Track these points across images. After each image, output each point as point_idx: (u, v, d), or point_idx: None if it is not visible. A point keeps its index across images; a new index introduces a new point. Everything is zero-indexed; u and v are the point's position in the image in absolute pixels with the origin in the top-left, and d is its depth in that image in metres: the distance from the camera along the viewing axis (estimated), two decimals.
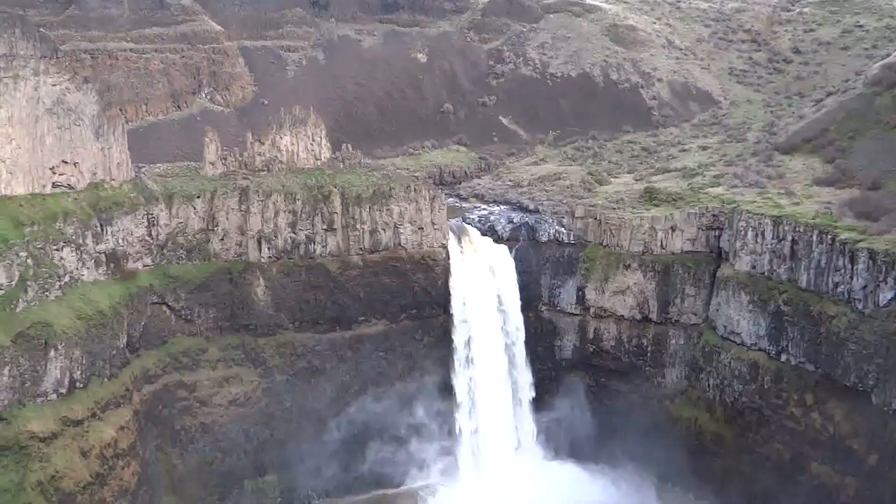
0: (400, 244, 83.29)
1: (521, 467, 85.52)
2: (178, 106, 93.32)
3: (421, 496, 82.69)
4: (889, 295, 66.19)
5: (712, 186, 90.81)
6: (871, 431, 67.03)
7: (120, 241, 70.67)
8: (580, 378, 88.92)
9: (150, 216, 73.51)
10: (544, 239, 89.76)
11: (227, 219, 77.38)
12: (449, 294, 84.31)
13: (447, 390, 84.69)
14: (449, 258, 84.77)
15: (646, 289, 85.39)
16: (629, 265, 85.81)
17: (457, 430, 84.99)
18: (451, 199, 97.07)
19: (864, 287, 68.05)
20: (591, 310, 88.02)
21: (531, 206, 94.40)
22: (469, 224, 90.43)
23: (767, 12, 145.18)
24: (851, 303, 69.22)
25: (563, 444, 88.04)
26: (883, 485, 65.87)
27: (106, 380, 65.98)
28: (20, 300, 60.55)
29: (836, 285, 70.57)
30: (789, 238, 75.19)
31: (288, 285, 79.17)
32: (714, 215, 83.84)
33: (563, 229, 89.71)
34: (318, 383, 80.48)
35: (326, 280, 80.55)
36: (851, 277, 69.13)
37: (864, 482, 67.62)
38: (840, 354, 69.40)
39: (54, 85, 65.60)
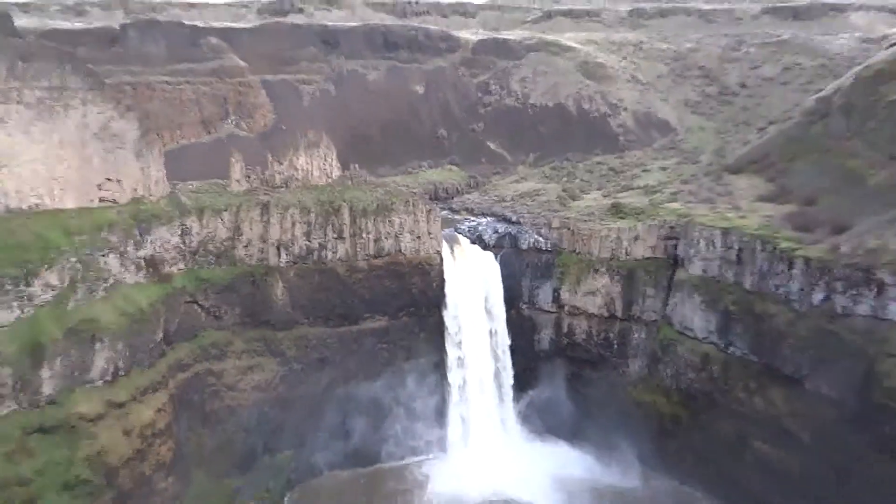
0: (400, 251, 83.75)
1: (506, 443, 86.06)
2: (208, 131, 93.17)
3: (415, 469, 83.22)
4: (821, 296, 67.09)
5: (670, 202, 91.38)
6: (805, 413, 67.89)
7: (157, 248, 71.06)
8: (557, 367, 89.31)
9: (183, 227, 73.90)
10: (525, 247, 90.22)
11: (251, 229, 77.82)
12: (443, 294, 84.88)
13: (440, 377, 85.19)
14: (442, 263, 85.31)
15: (612, 290, 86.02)
16: (598, 270, 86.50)
17: (448, 411, 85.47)
18: (444, 212, 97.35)
19: (800, 289, 68.86)
20: (565, 308, 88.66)
21: (514, 218, 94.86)
22: (460, 233, 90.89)
23: (718, 52, 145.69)
24: (789, 303, 69.97)
25: (543, 424, 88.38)
26: (815, 459, 66.89)
27: (145, 368, 66.40)
28: (71, 300, 61.05)
29: (777, 287, 71.32)
30: (736, 247, 75.87)
31: (303, 286, 79.58)
32: (671, 227, 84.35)
33: (541, 238, 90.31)
34: (328, 371, 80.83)
35: (336, 282, 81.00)
36: (789, 281, 69.87)
37: (799, 457, 68.54)
38: (779, 347, 70.12)
39: (100, 113, 66.05)
